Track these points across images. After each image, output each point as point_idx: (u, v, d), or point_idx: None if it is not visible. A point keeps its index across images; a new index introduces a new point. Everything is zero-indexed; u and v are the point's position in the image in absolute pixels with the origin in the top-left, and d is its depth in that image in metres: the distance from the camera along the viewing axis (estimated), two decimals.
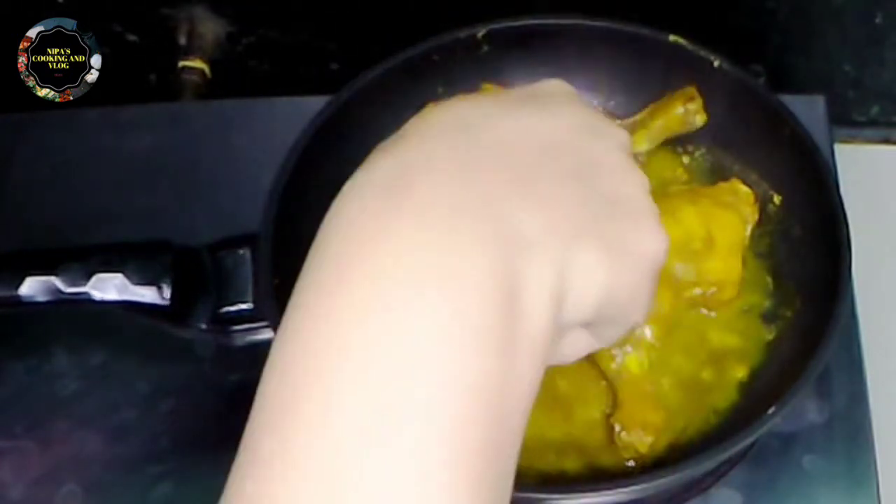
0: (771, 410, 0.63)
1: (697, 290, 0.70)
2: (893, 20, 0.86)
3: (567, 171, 0.44)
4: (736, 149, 0.77)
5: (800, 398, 0.64)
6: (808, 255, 0.72)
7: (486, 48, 0.79)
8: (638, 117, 0.77)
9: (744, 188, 0.73)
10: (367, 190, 0.43)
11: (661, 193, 0.72)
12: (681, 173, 0.77)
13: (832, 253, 0.68)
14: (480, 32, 0.78)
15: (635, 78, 0.79)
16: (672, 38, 0.77)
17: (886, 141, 0.94)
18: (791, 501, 0.71)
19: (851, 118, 0.93)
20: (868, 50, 0.89)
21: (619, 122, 0.75)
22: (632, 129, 0.75)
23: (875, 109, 0.93)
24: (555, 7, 0.80)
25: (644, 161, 0.76)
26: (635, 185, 0.47)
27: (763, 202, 0.75)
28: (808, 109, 0.80)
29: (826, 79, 0.91)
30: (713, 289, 0.70)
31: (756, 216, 0.73)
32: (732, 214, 0.71)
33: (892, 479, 0.72)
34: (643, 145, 0.75)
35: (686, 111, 0.75)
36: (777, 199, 0.75)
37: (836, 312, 0.65)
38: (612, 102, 0.80)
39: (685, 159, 0.78)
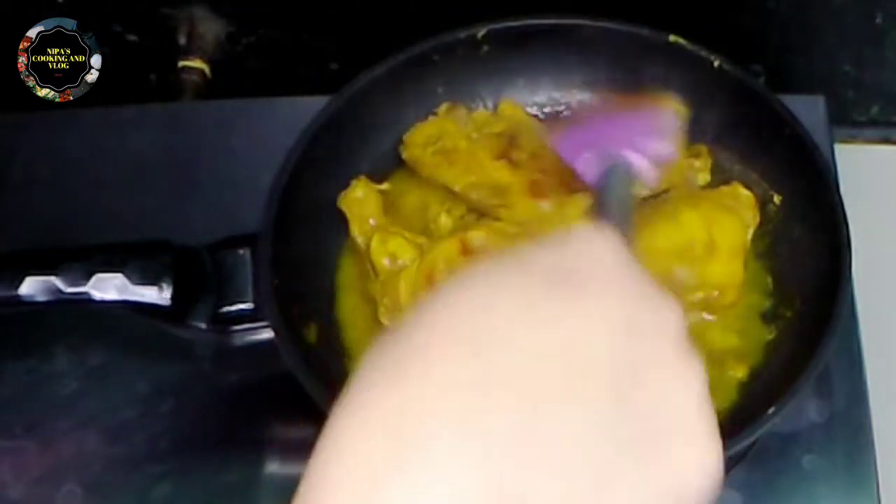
0: (771, 410, 0.63)
1: (699, 295, 0.70)
2: (893, 20, 0.86)
3: (597, 396, 0.36)
4: (736, 149, 0.77)
5: (800, 398, 0.64)
6: (808, 255, 0.72)
7: (486, 48, 0.79)
8: None
9: (745, 192, 0.73)
10: (361, 439, 0.36)
11: (662, 198, 0.72)
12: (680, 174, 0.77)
13: (832, 253, 0.68)
14: (480, 32, 0.78)
15: (635, 78, 0.79)
16: (672, 38, 0.77)
17: (886, 141, 0.94)
18: (791, 501, 0.71)
19: (851, 118, 0.93)
20: (868, 50, 0.89)
21: None
22: None
23: (875, 109, 0.93)
24: (555, 7, 0.80)
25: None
26: (686, 390, 0.39)
27: (763, 202, 0.75)
28: (808, 109, 0.80)
29: (826, 79, 0.91)
30: (715, 293, 0.70)
31: (757, 220, 0.73)
32: (734, 218, 0.71)
33: (892, 479, 0.72)
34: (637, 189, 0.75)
35: (689, 165, 0.75)
36: (777, 199, 0.75)
37: (836, 312, 0.66)
38: (612, 102, 0.80)
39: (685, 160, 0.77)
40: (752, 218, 0.73)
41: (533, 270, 0.38)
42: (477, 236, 0.70)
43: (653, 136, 0.47)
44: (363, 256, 0.73)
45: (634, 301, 0.39)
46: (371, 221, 0.74)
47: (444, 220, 0.75)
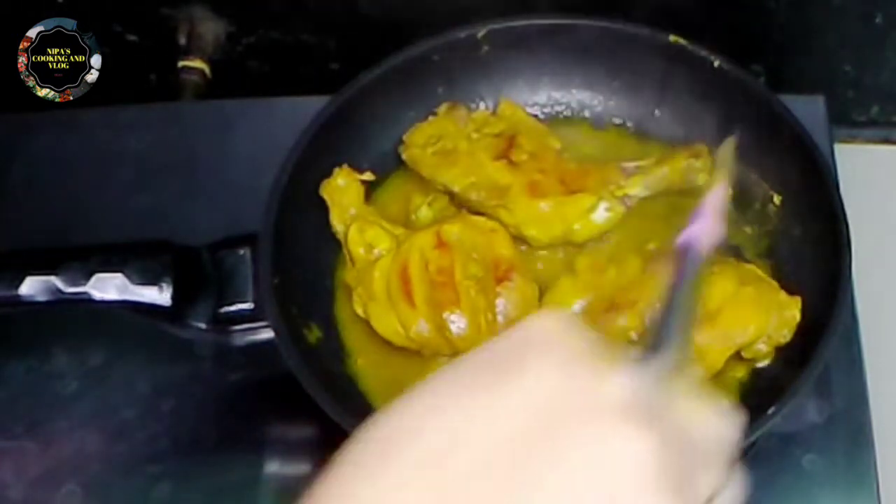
0: (771, 410, 0.63)
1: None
2: (893, 20, 0.86)
3: (509, 481, 0.39)
4: (736, 149, 0.76)
5: (800, 398, 0.64)
6: (808, 255, 0.72)
7: (486, 48, 0.79)
8: (643, 163, 0.76)
9: (793, 312, 0.69)
10: None
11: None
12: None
13: (832, 253, 0.68)
14: (480, 32, 0.78)
15: (635, 78, 0.79)
16: (672, 38, 0.77)
17: (886, 141, 0.94)
18: (791, 501, 0.71)
19: (851, 118, 0.93)
20: (868, 50, 0.89)
21: (624, 175, 0.75)
22: (635, 175, 0.75)
23: (875, 109, 0.93)
24: (555, 7, 0.80)
25: (643, 202, 0.75)
26: (613, 461, 0.39)
27: (763, 202, 0.75)
28: (808, 109, 0.80)
29: (826, 79, 0.91)
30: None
31: (787, 338, 0.69)
32: (761, 317, 0.68)
33: (892, 479, 0.72)
34: (637, 189, 0.74)
35: (689, 166, 0.75)
36: (777, 199, 0.75)
37: (836, 312, 0.66)
38: (611, 102, 0.80)
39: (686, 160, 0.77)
40: (779, 331, 0.69)
41: (480, 362, 0.42)
42: (452, 230, 0.70)
43: (709, 220, 0.48)
44: (342, 245, 0.74)
45: (565, 374, 0.40)
46: (351, 210, 0.74)
47: (425, 213, 0.75)
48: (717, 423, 0.43)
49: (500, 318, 0.69)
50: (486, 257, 0.70)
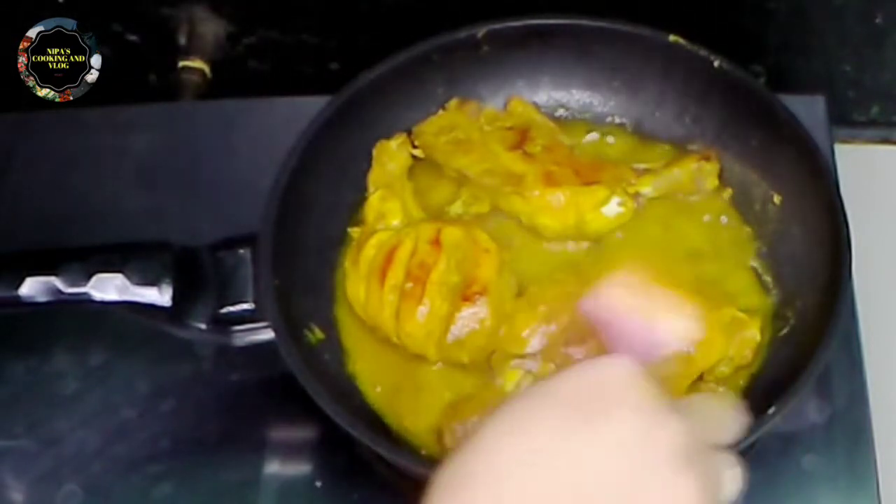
0: (771, 410, 0.63)
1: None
2: (893, 20, 0.86)
3: None
4: (736, 149, 0.77)
5: (800, 398, 0.64)
6: (808, 255, 0.72)
7: (486, 48, 0.79)
8: (653, 165, 0.76)
9: (751, 333, 0.69)
10: None
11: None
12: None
13: (832, 253, 0.68)
14: (480, 32, 0.78)
15: (635, 78, 0.79)
16: (672, 38, 0.77)
17: (886, 141, 0.94)
18: (791, 501, 0.71)
19: (851, 118, 0.93)
20: (868, 50, 0.89)
21: (635, 174, 0.75)
22: (646, 175, 0.75)
23: (875, 109, 0.93)
24: (555, 7, 0.80)
25: (644, 204, 0.75)
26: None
27: (763, 202, 0.75)
28: (808, 109, 0.80)
29: (826, 79, 0.91)
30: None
31: (746, 361, 0.69)
32: (722, 341, 0.68)
33: (892, 479, 0.72)
34: (648, 188, 0.75)
35: (699, 168, 0.75)
36: (777, 199, 0.75)
37: (836, 312, 0.66)
38: (612, 102, 0.80)
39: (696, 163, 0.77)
40: (740, 352, 0.69)
41: (556, 402, 0.46)
42: (453, 233, 0.71)
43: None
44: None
45: (644, 428, 0.46)
46: (389, 176, 0.75)
47: (457, 207, 0.75)
48: (731, 427, 0.50)
49: (450, 336, 0.68)
50: (466, 271, 0.70)
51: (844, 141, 0.89)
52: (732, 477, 0.49)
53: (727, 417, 0.51)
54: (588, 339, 0.67)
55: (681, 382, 0.66)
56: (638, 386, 0.47)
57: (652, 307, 0.50)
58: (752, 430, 0.63)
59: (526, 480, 0.44)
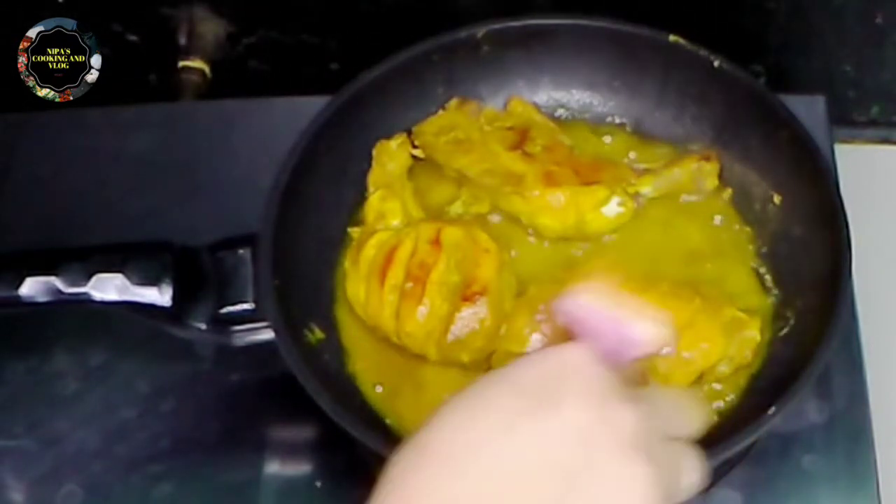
0: (771, 410, 0.63)
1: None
2: (893, 20, 0.87)
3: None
4: (736, 149, 0.77)
5: (800, 398, 0.64)
6: (808, 255, 0.72)
7: (486, 48, 0.79)
8: (653, 165, 0.76)
9: (752, 333, 0.69)
10: None
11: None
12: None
13: (832, 253, 0.68)
14: (480, 32, 0.78)
15: (635, 78, 0.79)
16: (672, 38, 0.77)
17: (886, 141, 0.94)
18: (791, 501, 0.71)
19: (851, 118, 0.93)
20: (868, 50, 0.89)
21: (635, 174, 0.75)
22: (646, 175, 0.75)
23: (875, 109, 0.93)
24: (555, 7, 0.80)
25: (644, 204, 0.75)
26: (626, 493, 0.45)
27: (763, 202, 0.75)
28: (808, 109, 0.80)
29: (826, 79, 0.91)
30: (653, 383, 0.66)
31: (746, 361, 0.69)
32: (722, 342, 0.68)
33: (892, 479, 0.72)
34: (648, 188, 0.75)
35: (699, 168, 0.75)
36: (777, 199, 0.75)
37: (836, 312, 0.66)
38: (612, 102, 0.80)
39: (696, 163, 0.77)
40: (740, 352, 0.68)
41: (511, 387, 0.47)
42: (453, 233, 0.70)
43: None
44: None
45: (597, 414, 0.46)
46: (388, 177, 0.75)
47: (457, 207, 0.75)
48: (692, 419, 0.51)
49: (450, 336, 0.68)
50: (466, 271, 0.70)
51: (844, 141, 0.89)
52: (691, 468, 0.49)
53: (687, 410, 0.51)
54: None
55: (679, 384, 0.66)
56: (592, 373, 0.47)
57: (625, 310, 0.50)
58: (752, 430, 0.63)
59: (476, 463, 0.45)
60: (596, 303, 0.51)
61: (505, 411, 0.46)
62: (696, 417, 0.51)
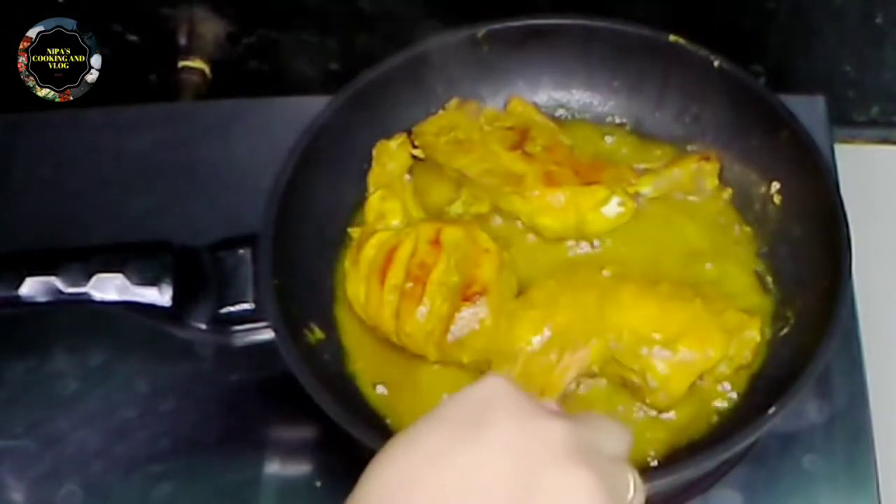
0: (771, 410, 0.63)
1: (634, 377, 0.67)
2: (893, 20, 0.86)
3: None
4: (736, 149, 0.77)
5: (800, 398, 0.64)
6: (808, 255, 0.72)
7: (486, 48, 0.79)
8: (653, 165, 0.76)
9: (753, 334, 0.69)
10: None
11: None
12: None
13: (832, 253, 0.68)
14: (480, 32, 0.78)
15: (635, 78, 0.79)
16: (672, 38, 0.77)
17: (886, 141, 0.94)
18: (791, 501, 0.71)
19: (851, 118, 0.93)
20: (868, 50, 0.89)
21: (635, 174, 0.75)
22: (646, 175, 0.76)
23: (875, 109, 0.93)
24: (555, 7, 0.80)
25: (644, 204, 0.75)
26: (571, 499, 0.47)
27: (763, 202, 0.75)
28: (808, 109, 0.80)
29: (826, 79, 0.91)
30: (654, 384, 0.67)
31: (747, 360, 0.69)
32: (722, 342, 0.68)
33: (892, 479, 0.72)
34: (648, 188, 0.75)
35: (699, 168, 0.75)
36: (777, 199, 0.75)
37: (836, 312, 0.66)
38: (612, 102, 0.80)
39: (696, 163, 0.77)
40: (740, 352, 0.68)
41: (443, 420, 0.49)
42: (453, 233, 0.71)
43: None
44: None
45: (526, 430, 0.48)
46: (389, 177, 0.75)
47: (457, 207, 0.75)
48: (621, 440, 0.52)
49: (450, 336, 0.68)
50: (466, 271, 0.70)
51: (844, 141, 0.89)
52: (634, 487, 0.50)
53: (613, 429, 0.52)
54: (588, 340, 0.67)
55: (680, 385, 0.67)
56: (516, 396, 0.49)
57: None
58: (752, 430, 0.63)
59: (416, 494, 0.46)
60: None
61: (438, 442, 0.48)
62: (623, 437, 0.53)
